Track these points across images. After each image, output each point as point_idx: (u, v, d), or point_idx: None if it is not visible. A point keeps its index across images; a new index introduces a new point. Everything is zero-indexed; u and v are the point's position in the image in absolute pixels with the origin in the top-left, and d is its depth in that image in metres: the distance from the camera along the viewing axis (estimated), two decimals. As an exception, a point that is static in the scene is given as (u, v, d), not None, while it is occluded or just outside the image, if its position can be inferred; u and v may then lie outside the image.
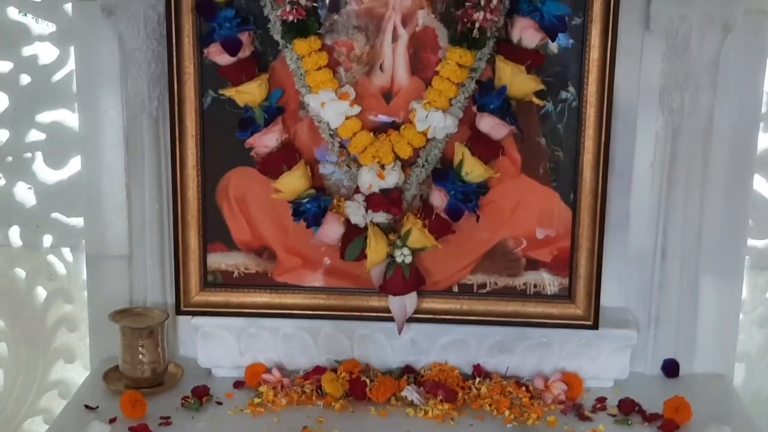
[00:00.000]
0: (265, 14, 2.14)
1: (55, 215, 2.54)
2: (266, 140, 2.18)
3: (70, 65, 2.42)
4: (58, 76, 2.46)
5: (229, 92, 2.16)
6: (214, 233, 2.30)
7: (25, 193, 2.55)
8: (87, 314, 2.48)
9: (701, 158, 2.31)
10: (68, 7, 2.37)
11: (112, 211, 2.37)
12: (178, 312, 2.34)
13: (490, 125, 2.14)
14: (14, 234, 2.57)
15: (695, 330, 2.41)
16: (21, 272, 2.62)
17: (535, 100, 2.15)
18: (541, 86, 2.13)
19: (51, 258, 2.60)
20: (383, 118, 2.20)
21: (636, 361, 2.39)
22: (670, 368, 2.42)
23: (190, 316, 2.35)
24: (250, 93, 2.15)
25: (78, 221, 2.51)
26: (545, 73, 2.16)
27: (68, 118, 2.47)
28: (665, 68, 2.26)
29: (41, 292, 2.64)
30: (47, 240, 2.57)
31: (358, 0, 2.16)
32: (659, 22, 2.22)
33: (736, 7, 2.19)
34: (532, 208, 2.26)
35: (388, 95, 2.21)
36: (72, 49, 2.37)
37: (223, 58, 2.13)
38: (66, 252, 2.60)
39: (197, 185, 2.26)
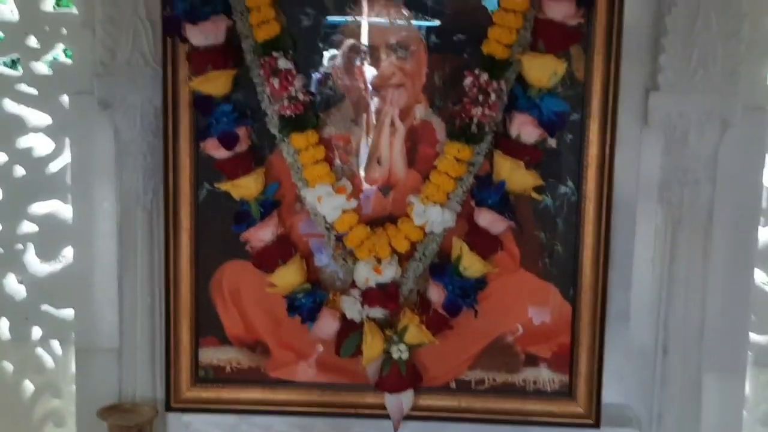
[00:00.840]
0: (263, 108, 2.14)
1: (45, 307, 2.51)
2: (262, 234, 2.16)
3: (65, 157, 2.41)
4: (52, 168, 2.46)
5: (225, 186, 2.14)
6: (207, 327, 2.26)
7: (15, 286, 2.51)
8: (75, 409, 2.42)
9: (702, 252, 2.28)
10: (65, 99, 2.37)
11: (104, 303, 2.34)
12: (168, 408, 2.28)
13: (488, 220, 2.12)
14: (3, 327, 2.53)
15: (698, 428, 2.35)
16: (8, 365, 2.56)
17: (534, 195, 2.13)
18: (540, 182, 2.12)
19: (39, 351, 2.56)
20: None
21: (638, 461, 2.32)
22: None
23: (180, 413, 2.29)
24: (246, 187, 2.13)
25: (68, 313, 2.47)
26: (544, 167, 2.15)
27: (62, 209, 2.46)
28: (664, 163, 2.25)
29: (28, 386, 2.58)
30: (36, 332, 2.53)
31: (356, 94, 2.15)
32: (657, 117, 2.22)
33: (735, 103, 2.19)
34: (531, 303, 2.22)
35: (385, 188, 2.19)
36: (67, 140, 2.37)
37: (220, 152, 2.12)
38: (55, 345, 2.55)
39: (191, 278, 2.24)
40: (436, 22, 2.13)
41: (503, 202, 2.12)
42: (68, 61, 2.41)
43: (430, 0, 2.13)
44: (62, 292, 2.46)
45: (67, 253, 2.46)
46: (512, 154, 2.10)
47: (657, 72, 2.20)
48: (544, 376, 2.25)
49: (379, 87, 2.16)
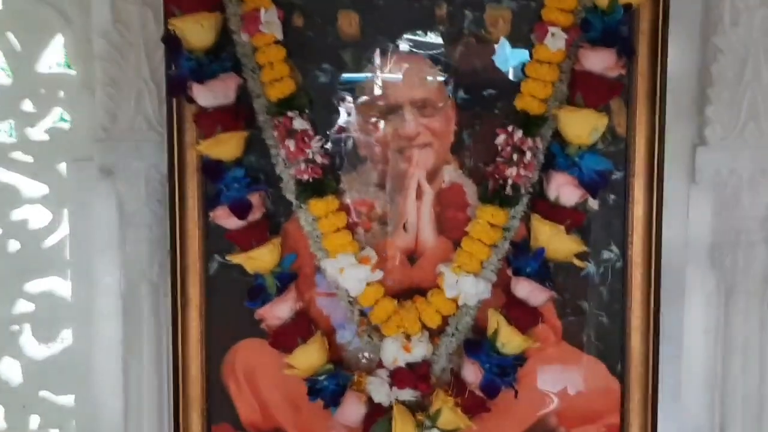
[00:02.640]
0: (278, 173, 1.98)
1: (44, 393, 2.35)
2: (278, 311, 1.98)
3: (64, 229, 2.28)
4: (49, 242, 2.32)
5: (238, 258, 1.98)
6: (220, 414, 2.09)
7: (11, 370, 2.36)
8: (74, 505, 2.24)
9: (759, 321, 2.13)
10: (62, 167, 2.24)
11: (106, 388, 2.18)
12: (177, 505, 2.09)
13: (527, 291, 1.94)
14: (-2, 415, 2.36)
15: None
16: (5, 458, 2.38)
17: (576, 262, 1.97)
18: (583, 247, 1.96)
19: None
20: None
21: None
22: None
23: None
24: (260, 259, 1.97)
25: (68, 400, 2.32)
26: (585, 231, 2.00)
27: (60, 286, 2.32)
28: (715, 224, 2.10)
29: (24, 481, 2.39)
30: (34, 421, 2.37)
31: (379, 156, 1.99)
32: (706, 174, 2.08)
33: (790, 158, 2.05)
34: (576, 379, 2.05)
35: (412, 257, 2.03)
36: (66, 212, 2.25)
37: (231, 222, 1.96)
38: (54, 434, 2.38)
39: (201, 360, 2.07)
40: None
41: (543, 270, 1.95)
42: (66, 125, 2.27)
43: (457, 52, 1.98)
44: (62, 377, 2.31)
45: (67, 335, 2.31)
46: (551, 218, 1.94)
47: (704, 125, 2.07)
48: (592, 460, 2.06)
49: (404, 148, 2.00)
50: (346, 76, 1.99)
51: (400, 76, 2.00)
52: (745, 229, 2.09)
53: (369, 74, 1.99)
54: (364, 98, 2.00)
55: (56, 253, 2.30)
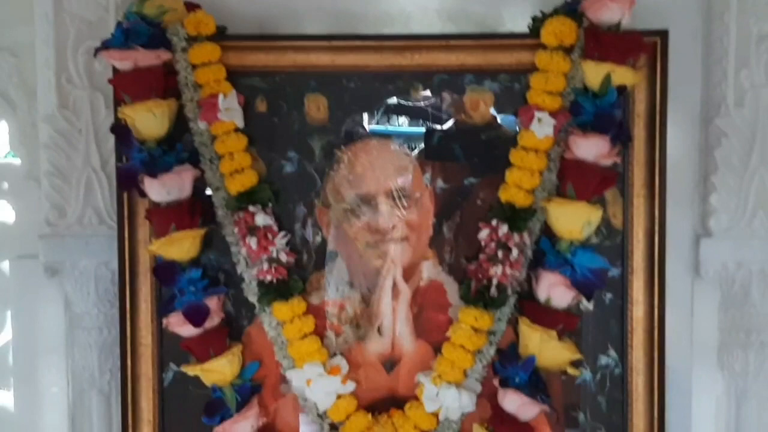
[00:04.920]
0: (239, 272, 1.81)
1: None
2: (239, 428, 1.80)
3: (6, 334, 2.09)
4: None
5: (194, 370, 1.79)
6: None
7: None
8: None
9: None
10: (5, 265, 2.06)
11: None
12: None
13: (516, 404, 1.75)
14: None
15: None
16: None
17: (570, 371, 1.78)
18: (578, 355, 1.78)
19: None
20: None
21: None
22: None
23: None
24: (219, 371, 1.79)
25: None
26: (580, 335, 1.83)
27: (2, 396, 2.12)
28: (722, 322, 1.95)
29: None
30: None
31: (351, 252, 1.81)
32: (712, 268, 1.93)
33: (802, 247, 1.90)
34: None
35: (388, 364, 1.85)
36: (8, 314, 2.06)
37: (186, 329, 1.78)
38: None
39: (155, 482, 1.86)
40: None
41: (534, 380, 1.76)
42: (10, 219, 2.08)
43: (435, 138, 1.82)
44: (5, 497, 2.10)
45: (9, 450, 2.10)
46: (541, 322, 1.76)
47: (708, 215, 1.92)
48: None
49: (378, 242, 1.82)
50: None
51: (372, 164, 1.82)
52: (756, 327, 1.93)
53: (338, 164, 1.83)
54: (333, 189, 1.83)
55: (-2, 360, 2.11)
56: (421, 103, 1.84)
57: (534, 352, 1.75)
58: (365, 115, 1.83)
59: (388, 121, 1.85)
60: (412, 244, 1.84)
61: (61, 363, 1.97)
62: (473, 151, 1.82)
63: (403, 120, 1.86)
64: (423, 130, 1.84)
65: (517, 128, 1.78)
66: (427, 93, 1.82)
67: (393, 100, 1.83)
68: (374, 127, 1.84)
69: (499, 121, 1.82)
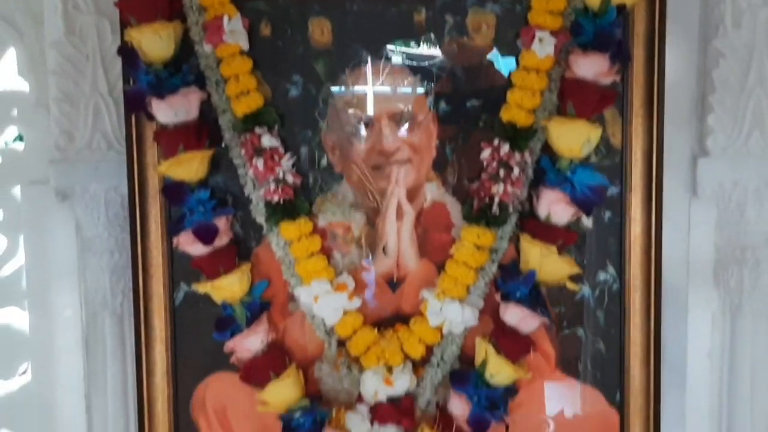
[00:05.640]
0: (246, 194, 1.85)
1: None
2: (249, 343, 1.84)
3: (20, 258, 2.14)
4: (5, 271, 2.19)
5: (204, 287, 1.84)
6: (190, 453, 1.95)
7: (-35, 411, 2.23)
8: None
9: (767, 345, 1.99)
10: (17, 191, 2.10)
11: (70, 427, 2.06)
12: None
13: (517, 317, 1.80)
14: (-50, 461, 2.24)
15: None
16: None
17: (570, 285, 1.83)
18: (577, 270, 1.82)
19: None
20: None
21: None
22: None
23: None
24: (228, 288, 1.83)
25: (29, 440, 2.17)
26: (579, 252, 1.87)
27: (17, 318, 2.18)
28: (718, 240, 1.98)
29: None
30: None
31: (356, 174, 1.85)
32: (708, 187, 1.96)
33: (797, 169, 1.93)
34: (571, 410, 1.92)
35: (393, 283, 1.89)
36: (21, 238, 2.10)
37: (196, 248, 1.81)
38: (15, 477, 2.26)
39: (168, 397, 1.93)
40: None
41: (534, 294, 1.81)
42: (20, 146, 2.11)
43: (437, 61, 1.84)
44: (21, 415, 2.17)
45: (26, 370, 2.17)
46: (542, 238, 1.80)
47: (705, 135, 1.95)
48: (591, 499, 1.92)
49: (382, 165, 1.85)
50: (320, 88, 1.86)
51: (377, 88, 1.85)
52: (751, 245, 1.96)
53: (344, 87, 1.85)
54: (338, 112, 1.86)
55: (12, 284, 2.17)
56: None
57: (534, 266, 1.79)
58: (369, 39, 1.85)
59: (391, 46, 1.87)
60: (415, 166, 1.87)
61: (74, 286, 2.01)
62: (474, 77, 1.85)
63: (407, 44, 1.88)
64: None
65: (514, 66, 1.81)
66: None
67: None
68: (377, 51, 1.86)
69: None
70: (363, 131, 1.86)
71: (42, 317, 2.05)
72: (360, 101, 1.86)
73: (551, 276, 1.80)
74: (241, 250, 1.87)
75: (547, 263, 1.79)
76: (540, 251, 1.79)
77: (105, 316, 1.99)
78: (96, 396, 2.02)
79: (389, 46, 1.85)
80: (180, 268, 1.88)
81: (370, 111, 1.85)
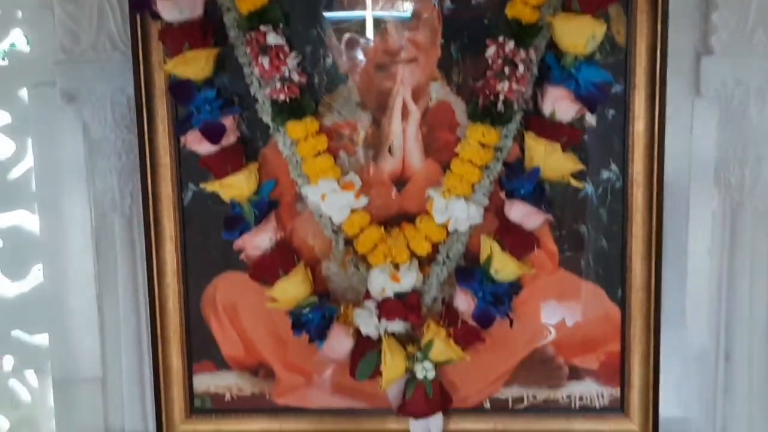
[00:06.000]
0: (252, 93, 1.86)
1: (17, 333, 2.25)
2: (258, 241, 1.87)
3: (29, 160, 2.15)
4: (14, 174, 2.19)
5: (212, 186, 1.86)
6: (201, 350, 1.99)
7: (-20, 311, 2.26)
8: (55, 447, 2.17)
9: (767, 241, 2.03)
10: (23, 93, 2.10)
11: (82, 327, 2.09)
12: (161, 444, 2.02)
13: (521, 214, 1.83)
14: (-30, 357, 2.28)
15: None
16: (-21, 400, 2.30)
17: (573, 182, 1.85)
18: (580, 166, 1.84)
19: (13, 383, 2.30)
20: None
21: (701, 480, 2.05)
22: None
23: (175, 449, 2.03)
24: (236, 186, 1.85)
25: (43, 340, 2.21)
26: (583, 149, 1.88)
27: (28, 220, 2.19)
28: (720, 139, 1.99)
29: (3, 423, 2.32)
30: (8, 362, 2.28)
31: (361, 74, 1.85)
32: (711, 85, 1.96)
33: (800, 66, 1.93)
34: (574, 307, 1.96)
35: (399, 182, 1.92)
36: (29, 141, 2.10)
37: (204, 147, 1.83)
38: (30, 375, 2.29)
39: (179, 295, 1.97)
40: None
41: (538, 191, 1.84)
42: (25, 48, 2.11)
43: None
44: (35, 316, 2.20)
45: (37, 271, 2.19)
46: (546, 135, 1.82)
47: (709, 33, 1.94)
48: (592, 390, 1.98)
49: (387, 64, 1.86)
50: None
51: (381, -15, 1.85)
52: (753, 143, 1.98)
53: (348, -15, 1.85)
54: (343, 10, 1.85)
55: (22, 186, 2.17)
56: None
57: (539, 164, 1.81)
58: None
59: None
60: (420, 66, 1.87)
61: (83, 188, 2.01)
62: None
63: None
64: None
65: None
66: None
67: None
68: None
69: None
70: (368, 30, 1.86)
71: (52, 219, 2.05)
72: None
73: (555, 173, 1.83)
74: (248, 150, 1.89)
75: (552, 160, 1.81)
76: (544, 148, 1.81)
77: (114, 218, 2.01)
78: (107, 296, 2.05)
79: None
80: (188, 168, 1.90)
81: (374, 9, 1.85)
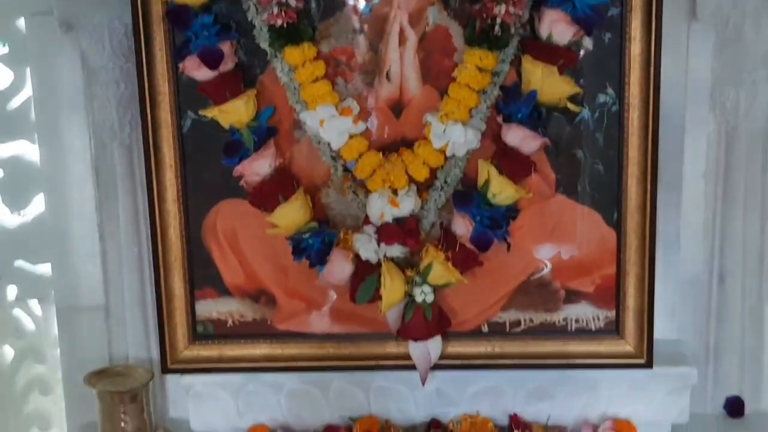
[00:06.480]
0: (249, 19, 1.86)
1: (19, 263, 2.27)
2: (257, 167, 1.89)
3: (27, 90, 2.14)
4: (14, 104, 2.19)
5: (211, 112, 1.87)
6: (203, 277, 2.02)
7: (-17, 241, 2.27)
8: (61, 375, 2.20)
9: (761, 165, 2.06)
10: (21, 23, 2.09)
11: (84, 256, 2.11)
12: (165, 370, 2.06)
13: (519, 138, 1.84)
14: (-26, 287, 2.29)
15: (761, 363, 2.16)
16: (-17, 331, 2.33)
17: (570, 106, 1.86)
18: (577, 89, 1.85)
19: (17, 312, 2.32)
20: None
21: (694, 400, 2.09)
22: (735, 407, 2.16)
23: (179, 374, 2.06)
24: (235, 112, 1.86)
25: (45, 269, 2.23)
26: (579, 73, 1.88)
27: (28, 150, 2.20)
28: (716, 63, 2.00)
29: (8, 352, 2.35)
30: (12, 292, 2.30)
31: (358, -1, 1.86)
32: (707, 9, 1.96)
33: (796, -12, 1.93)
34: (570, 231, 1.96)
35: (397, 108, 1.92)
36: (28, 71, 2.10)
37: (202, 73, 1.84)
38: (34, 304, 2.32)
39: (180, 223, 1.99)
40: None
41: (535, 115, 1.85)
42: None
43: None
44: (37, 246, 2.21)
45: (39, 201, 2.20)
46: (543, 59, 1.82)
47: None
48: (588, 313, 2.01)
49: (383, -11, 1.86)
50: None
51: None
52: (748, 67, 1.99)
53: None
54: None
55: (21, 115, 2.17)
56: None
57: (535, 87, 1.82)
58: None
59: None
60: (417, -10, 1.87)
61: (82, 118, 2.02)
62: None
63: None
64: None
65: None
66: None
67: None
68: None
69: None
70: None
71: (52, 149, 2.06)
72: None
73: (552, 96, 1.84)
74: (246, 77, 1.89)
75: (548, 83, 1.82)
76: (541, 71, 1.81)
77: (114, 147, 2.02)
78: (109, 225, 2.06)
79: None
80: (186, 96, 1.91)
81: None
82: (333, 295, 2.00)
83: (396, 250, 1.91)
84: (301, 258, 1.93)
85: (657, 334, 2.01)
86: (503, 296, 2.00)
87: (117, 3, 1.92)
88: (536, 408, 2.05)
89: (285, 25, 1.81)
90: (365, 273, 1.92)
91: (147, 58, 1.88)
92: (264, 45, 1.86)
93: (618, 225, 1.96)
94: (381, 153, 1.90)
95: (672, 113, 1.96)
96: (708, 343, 2.12)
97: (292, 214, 1.90)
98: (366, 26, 1.88)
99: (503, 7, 1.79)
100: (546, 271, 1.99)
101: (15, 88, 2.17)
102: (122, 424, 2.00)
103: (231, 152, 1.88)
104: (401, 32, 1.88)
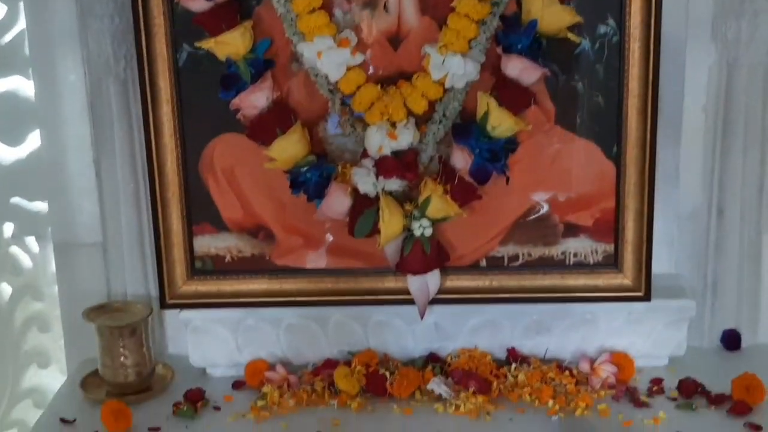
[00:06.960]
0: (244, -52, 1.82)
1: (15, 200, 2.26)
2: (254, 99, 1.87)
3: (21, 24, 2.11)
4: (7, 38, 2.15)
5: (207, 44, 1.85)
6: (200, 213, 2.01)
7: (-22, 178, 2.25)
8: (59, 312, 2.20)
9: (762, 98, 2.02)
10: None
11: (81, 192, 2.09)
12: (164, 305, 2.06)
13: (518, 68, 1.83)
14: (-30, 225, 2.28)
15: (758, 296, 2.15)
16: (-20, 268, 2.33)
17: (570, 37, 1.84)
18: (578, 18, 1.83)
19: (14, 250, 2.31)
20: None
21: (691, 334, 2.09)
22: (731, 340, 2.15)
23: (177, 310, 2.06)
24: (231, 44, 1.84)
25: (42, 206, 2.21)
26: (580, 4, 1.85)
27: (22, 85, 2.16)
28: None
29: (6, 289, 2.34)
30: (8, 229, 2.29)
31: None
32: None
33: None
34: (569, 164, 1.95)
35: (395, 40, 1.90)
36: (21, 4, 2.07)
37: (198, 3, 1.82)
38: (31, 242, 2.30)
39: (177, 157, 1.97)
40: None
41: (535, 46, 1.83)
42: None
43: None
44: (33, 182, 2.20)
45: (34, 137, 2.17)
46: (544, -13, 1.79)
47: None
48: (586, 246, 2.01)
49: None
50: None
51: None
52: (750, -4, 1.95)
53: None
54: None
55: (15, 50, 2.13)
56: None
57: (536, 16, 1.80)
58: None
59: None
60: None
61: (76, 52, 1.99)
62: None
63: None
64: None
65: None
66: None
67: None
68: None
69: None
70: None
71: (47, 84, 2.03)
72: None
73: (552, 26, 1.81)
74: (243, 8, 1.86)
75: (549, 13, 1.80)
76: (542, 0, 1.79)
77: (109, 82, 2.00)
78: (105, 161, 2.05)
79: None
80: (182, 28, 1.88)
81: None
82: (331, 230, 1.99)
83: (394, 184, 1.90)
84: (299, 192, 1.92)
85: (656, 269, 2.00)
86: (502, 230, 2.00)
87: (109, -68, 1.88)
88: (534, 342, 2.06)
89: (281, -47, 1.78)
90: (363, 206, 1.91)
91: (141, -11, 1.86)
92: (260, -25, 1.84)
93: (617, 158, 1.94)
94: (379, 85, 1.88)
95: (673, 45, 1.94)
96: (706, 276, 2.11)
97: (289, 147, 1.89)
98: (363, -44, 1.85)
99: (503, -65, 1.76)
100: (545, 206, 1.98)
101: (8, 22, 2.14)
102: (122, 359, 2.01)
103: (228, 85, 1.86)
104: (400, -39, 1.86)
